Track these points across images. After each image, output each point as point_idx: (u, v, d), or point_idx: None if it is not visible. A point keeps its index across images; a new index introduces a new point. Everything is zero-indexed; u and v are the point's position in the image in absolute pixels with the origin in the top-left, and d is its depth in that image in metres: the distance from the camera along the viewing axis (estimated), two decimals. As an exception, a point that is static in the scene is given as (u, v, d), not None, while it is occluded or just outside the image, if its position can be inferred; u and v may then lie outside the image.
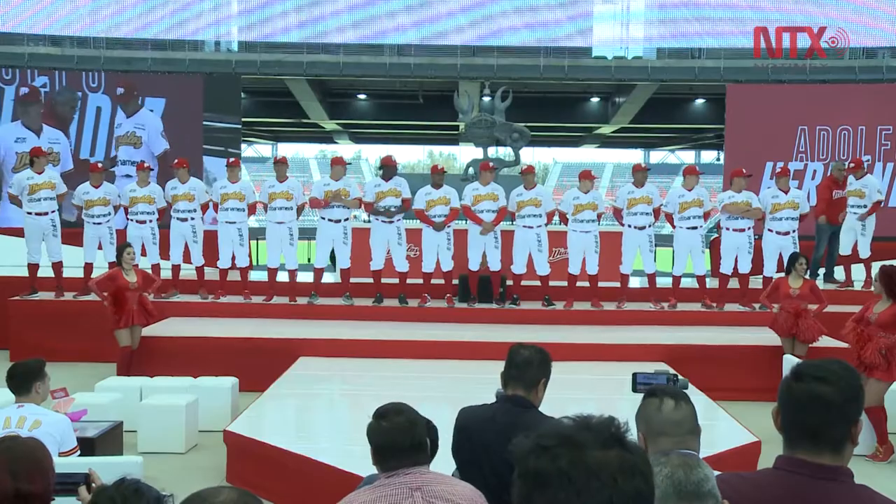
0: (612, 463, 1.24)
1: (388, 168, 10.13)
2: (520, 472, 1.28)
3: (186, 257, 10.41)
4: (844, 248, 10.72)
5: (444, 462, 3.21)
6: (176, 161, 10.79)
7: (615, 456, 1.25)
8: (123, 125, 13.68)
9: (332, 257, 10.93)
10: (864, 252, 10.62)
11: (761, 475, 2.10)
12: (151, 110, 13.77)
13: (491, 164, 10.35)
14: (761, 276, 10.03)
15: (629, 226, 10.04)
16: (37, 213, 10.04)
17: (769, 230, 10.10)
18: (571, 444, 1.26)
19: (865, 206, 10.54)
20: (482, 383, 4.16)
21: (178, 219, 10.30)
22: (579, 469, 1.23)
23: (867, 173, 10.76)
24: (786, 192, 10.08)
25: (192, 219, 10.32)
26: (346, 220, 10.07)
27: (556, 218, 10.40)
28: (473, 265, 10.00)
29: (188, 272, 10.42)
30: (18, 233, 10.40)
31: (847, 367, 2.10)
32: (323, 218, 10.05)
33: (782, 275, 8.72)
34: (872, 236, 10.90)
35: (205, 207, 10.42)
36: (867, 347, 6.66)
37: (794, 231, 10.00)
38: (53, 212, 10.12)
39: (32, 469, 2.38)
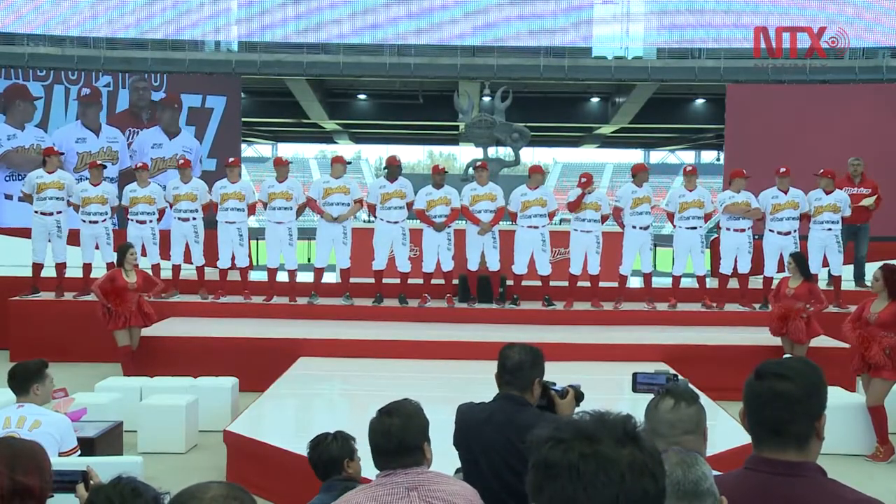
0: (623, 460, 1.25)
1: (392, 169, 10.12)
2: (533, 461, 1.30)
3: (186, 257, 10.41)
4: (813, 267, 9.70)
5: (444, 461, 3.21)
6: (181, 161, 10.80)
7: (627, 454, 1.26)
8: (167, 147, 13.72)
9: None
10: (837, 269, 10.15)
11: (732, 476, 2.13)
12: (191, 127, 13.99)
13: (478, 163, 10.35)
14: (761, 277, 10.03)
15: (633, 226, 10.03)
16: (42, 213, 10.05)
17: (770, 230, 10.07)
18: (585, 438, 1.28)
19: (838, 223, 10.08)
20: (482, 383, 4.16)
21: (179, 219, 10.29)
22: (589, 463, 1.25)
23: (836, 188, 10.39)
24: (785, 193, 10.07)
25: (194, 219, 10.31)
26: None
27: (557, 218, 10.41)
28: (472, 265, 10.00)
29: (188, 272, 10.42)
30: (18, 233, 10.41)
31: (809, 363, 2.12)
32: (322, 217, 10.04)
33: (784, 274, 8.70)
34: (871, 236, 10.88)
35: (206, 208, 10.40)
36: (871, 348, 6.61)
37: (794, 231, 9.99)
38: (60, 213, 10.09)
39: (30, 466, 2.40)
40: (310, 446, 3.73)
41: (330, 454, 3.64)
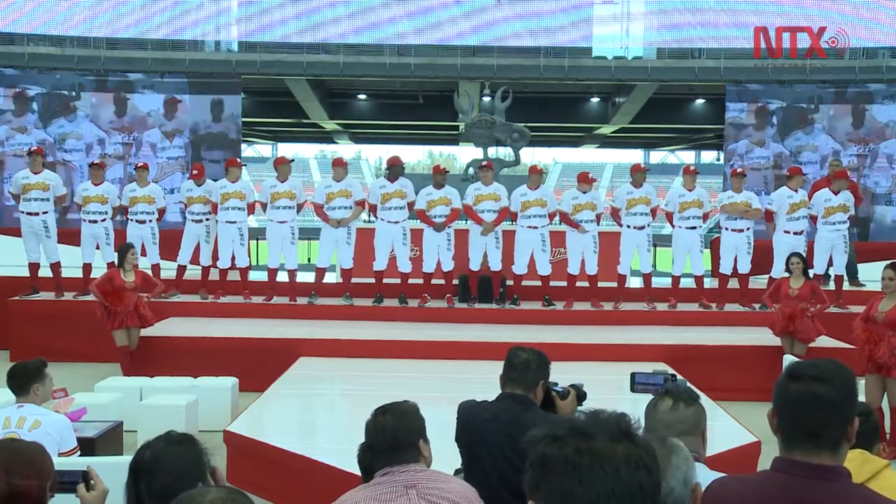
0: (618, 455, 1.29)
1: (394, 168, 10.10)
2: (530, 459, 1.35)
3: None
4: (819, 268, 9.98)
5: (444, 458, 3.20)
6: (195, 172, 10.82)
7: (622, 448, 1.30)
8: (169, 150, 13.97)
9: None
10: (840, 268, 10.16)
11: (759, 477, 2.10)
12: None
13: (483, 163, 10.36)
14: (766, 277, 10.01)
15: (627, 226, 10.04)
16: (28, 213, 10.03)
17: (786, 231, 9.97)
18: (580, 435, 1.32)
19: (846, 223, 10.10)
20: (482, 383, 4.17)
21: (193, 220, 10.29)
22: (584, 458, 1.29)
23: (844, 188, 10.29)
24: (796, 192, 10.04)
25: (207, 220, 10.35)
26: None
27: (556, 219, 10.40)
28: (475, 265, 9.99)
29: (193, 272, 10.40)
30: (18, 233, 10.40)
31: (841, 365, 2.09)
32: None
33: (787, 274, 8.69)
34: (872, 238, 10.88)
35: (214, 208, 10.37)
36: (879, 347, 6.46)
37: (806, 230, 9.99)
38: (45, 213, 10.04)
39: (27, 469, 2.40)
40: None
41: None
